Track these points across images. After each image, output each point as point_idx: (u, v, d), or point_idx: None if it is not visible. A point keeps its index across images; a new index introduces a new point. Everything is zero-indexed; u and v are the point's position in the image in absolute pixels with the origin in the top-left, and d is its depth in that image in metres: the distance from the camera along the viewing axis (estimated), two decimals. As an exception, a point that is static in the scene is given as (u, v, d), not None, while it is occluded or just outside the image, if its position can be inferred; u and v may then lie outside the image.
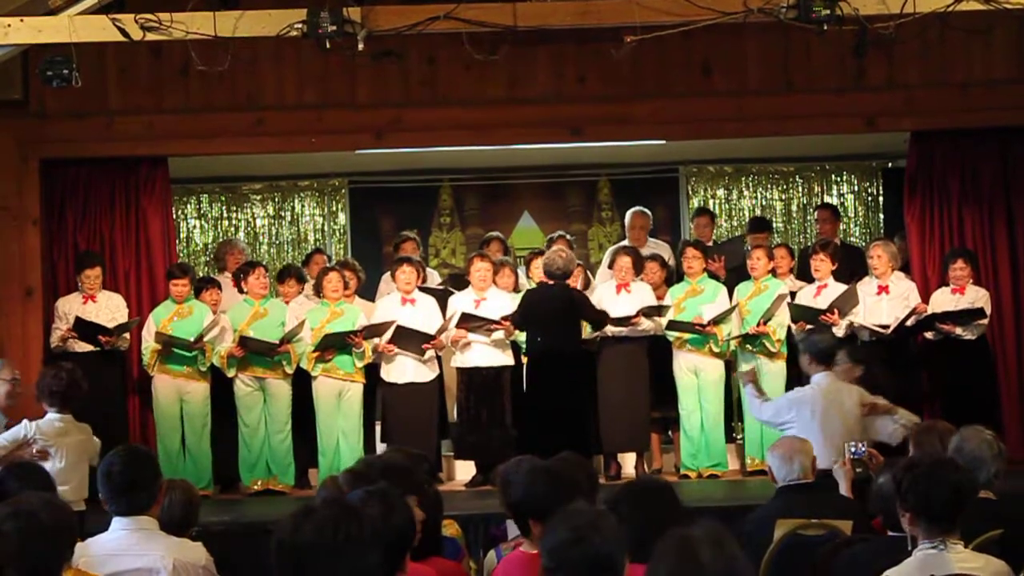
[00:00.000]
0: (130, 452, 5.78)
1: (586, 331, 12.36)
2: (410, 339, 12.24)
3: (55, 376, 9.19)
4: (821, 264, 12.49)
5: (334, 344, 12.22)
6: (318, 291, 12.65)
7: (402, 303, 12.45)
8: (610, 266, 13.02)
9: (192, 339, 12.20)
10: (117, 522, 5.55)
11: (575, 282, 12.60)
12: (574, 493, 5.52)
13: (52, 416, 9.09)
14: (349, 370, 12.32)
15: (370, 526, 3.73)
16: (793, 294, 12.58)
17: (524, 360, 12.44)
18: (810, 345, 9.96)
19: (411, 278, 12.49)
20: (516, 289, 12.81)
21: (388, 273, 13.14)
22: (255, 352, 12.29)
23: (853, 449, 7.94)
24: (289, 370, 12.38)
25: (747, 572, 3.66)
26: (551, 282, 11.99)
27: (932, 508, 5.17)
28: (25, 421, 9.11)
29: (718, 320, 12.38)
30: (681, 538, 3.63)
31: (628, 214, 14.24)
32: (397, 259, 12.91)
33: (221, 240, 15.53)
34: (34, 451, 8.89)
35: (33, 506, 4.67)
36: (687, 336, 12.49)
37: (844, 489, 7.80)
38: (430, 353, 12.37)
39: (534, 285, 12.56)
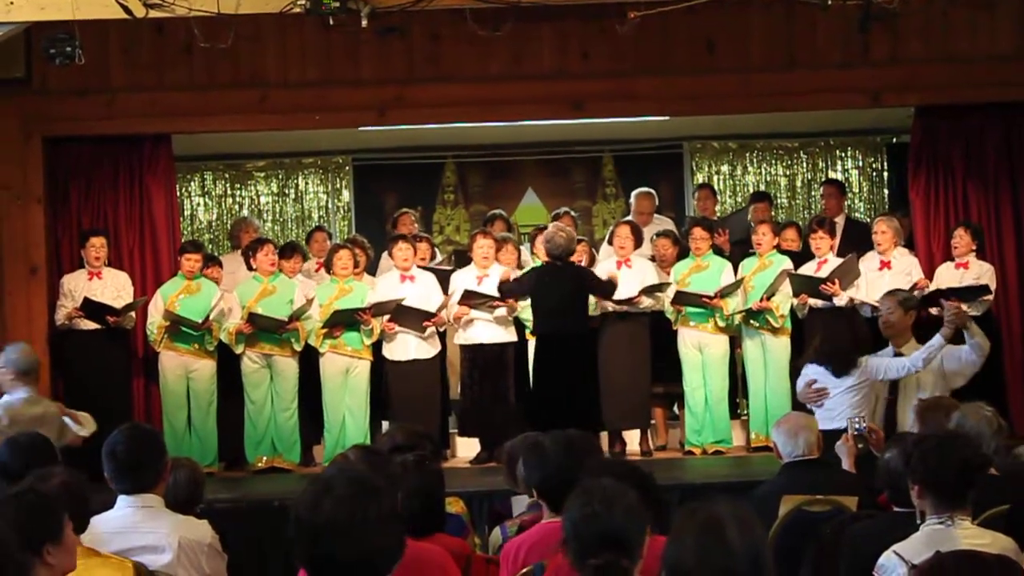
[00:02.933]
0: (134, 430, 5.80)
1: (591, 307, 12.34)
2: (411, 317, 12.24)
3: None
4: (820, 241, 12.46)
5: (343, 321, 12.22)
6: (328, 268, 12.66)
7: (401, 280, 12.44)
8: (610, 241, 13.01)
9: (200, 320, 12.20)
10: (123, 500, 5.56)
11: (580, 258, 12.58)
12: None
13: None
14: (357, 347, 12.33)
15: (389, 504, 3.73)
16: (797, 266, 12.57)
17: (529, 338, 12.41)
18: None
19: (408, 255, 12.46)
20: (519, 267, 12.79)
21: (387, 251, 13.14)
22: (263, 329, 12.28)
23: (857, 425, 7.93)
24: (297, 347, 12.37)
25: (769, 551, 3.68)
26: (558, 263, 11.89)
27: (940, 482, 5.18)
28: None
29: (725, 293, 12.36)
30: (707, 516, 3.63)
31: (633, 197, 14.23)
32: (392, 237, 12.92)
33: (226, 218, 15.55)
34: None
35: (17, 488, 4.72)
36: (687, 310, 12.46)
37: (847, 465, 7.79)
38: (431, 330, 12.37)
39: (538, 262, 12.50)
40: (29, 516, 4.47)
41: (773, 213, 14.63)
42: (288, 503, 10.66)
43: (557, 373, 11.67)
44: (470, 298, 12.22)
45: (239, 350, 12.37)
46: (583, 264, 12.47)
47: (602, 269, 12.59)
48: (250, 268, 12.73)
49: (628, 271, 12.49)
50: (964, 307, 12.01)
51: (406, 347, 12.37)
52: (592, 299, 12.22)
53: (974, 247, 12.33)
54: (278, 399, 12.45)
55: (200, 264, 12.57)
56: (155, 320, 12.40)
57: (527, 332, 12.47)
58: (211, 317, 12.25)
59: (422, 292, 12.38)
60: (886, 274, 12.31)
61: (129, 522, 5.52)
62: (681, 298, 12.42)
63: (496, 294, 12.19)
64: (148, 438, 5.78)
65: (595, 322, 12.43)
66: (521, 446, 6.88)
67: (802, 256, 12.76)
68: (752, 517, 3.66)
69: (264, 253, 12.56)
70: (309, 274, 13.32)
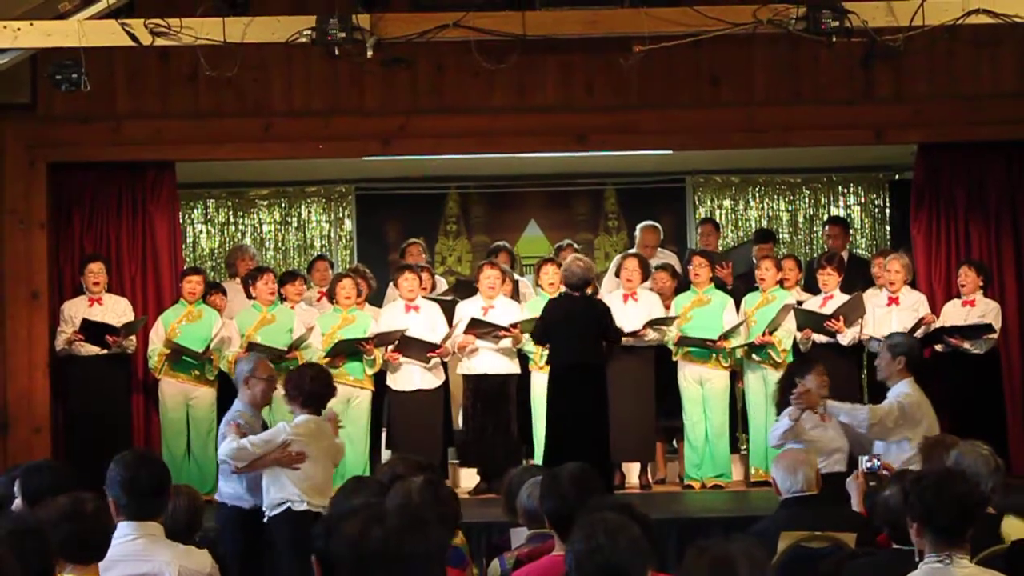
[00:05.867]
0: (144, 457, 5.83)
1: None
2: (415, 347, 12.24)
3: (314, 378, 8.98)
4: (829, 278, 12.48)
5: (345, 351, 12.22)
6: (331, 297, 12.66)
7: (406, 310, 12.45)
8: (616, 274, 13.00)
9: (201, 350, 12.20)
10: (125, 527, 5.56)
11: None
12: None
13: (306, 417, 8.82)
14: (359, 377, 12.32)
15: (437, 540, 3.71)
16: (800, 303, 12.57)
17: (532, 369, 12.41)
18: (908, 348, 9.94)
19: (413, 285, 12.47)
20: (514, 298, 12.82)
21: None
22: (263, 358, 12.28)
23: (868, 464, 7.90)
24: (297, 376, 12.36)
25: None
26: (575, 294, 11.81)
27: (938, 520, 5.16)
28: (283, 424, 8.85)
29: (728, 335, 12.38)
30: (718, 554, 3.62)
31: (639, 230, 14.21)
32: (399, 267, 12.91)
33: (228, 245, 15.56)
34: (292, 454, 8.65)
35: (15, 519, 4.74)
36: (690, 348, 12.49)
37: (856, 503, 7.76)
38: (435, 360, 12.36)
39: (544, 294, 12.50)
40: (23, 549, 4.48)
41: (776, 249, 14.61)
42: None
43: (572, 405, 11.52)
44: (476, 327, 12.23)
45: (238, 379, 12.36)
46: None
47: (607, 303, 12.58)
48: (249, 297, 12.74)
49: (634, 304, 12.51)
50: (967, 345, 12.07)
51: (410, 377, 12.36)
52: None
53: (980, 284, 12.36)
54: (278, 428, 12.42)
55: (202, 287, 12.59)
56: (156, 347, 12.41)
57: (530, 364, 12.48)
58: (211, 346, 12.26)
59: (427, 322, 12.38)
60: (894, 310, 12.33)
61: (130, 549, 5.51)
62: (685, 341, 12.44)
63: (502, 323, 12.18)
64: (156, 465, 5.80)
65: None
66: (520, 476, 6.88)
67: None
68: (763, 556, 3.65)
69: (264, 282, 12.56)
70: (311, 302, 13.32)
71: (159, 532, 5.65)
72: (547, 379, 11.87)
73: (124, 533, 5.55)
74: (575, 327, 11.62)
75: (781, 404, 9.78)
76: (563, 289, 11.95)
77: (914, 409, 9.61)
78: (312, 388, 8.88)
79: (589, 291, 12.47)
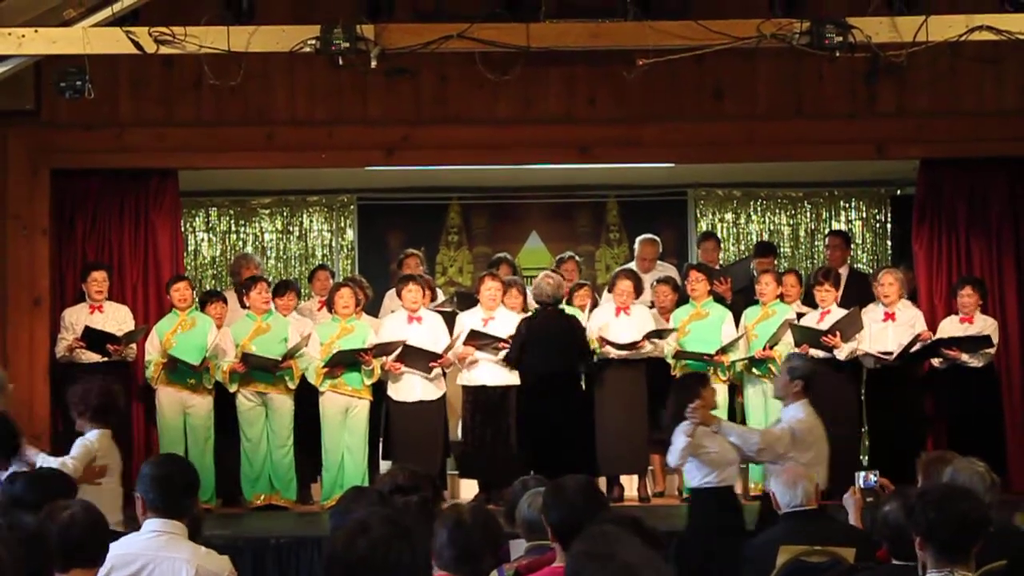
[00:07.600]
0: (172, 457, 6.17)
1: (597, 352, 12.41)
2: (417, 357, 12.24)
3: (100, 391, 8.83)
4: (826, 293, 12.47)
5: (344, 361, 12.22)
6: (330, 307, 12.66)
7: (408, 321, 12.45)
8: (610, 289, 13.03)
9: (197, 363, 12.19)
10: (152, 523, 5.67)
11: (584, 302, 12.63)
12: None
13: (99, 432, 8.64)
14: (357, 387, 12.31)
15: (422, 549, 3.73)
16: (800, 316, 12.58)
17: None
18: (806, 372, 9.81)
19: (417, 297, 12.48)
20: (525, 309, 12.82)
21: (393, 291, 13.12)
22: (257, 368, 12.28)
23: (863, 480, 7.89)
24: (292, 385, 12.37)
25: None
26: (548, 308, 12.05)
27: (940, 535, 5.16)
28: (82, 439, 8.62)
29: (726, 348, 12.37)
30: (620, 565, 3.56)
31: (638, 243, 14.23)
32: (402, 277, 12.89)
33: (230, 254, 15.57)
34: (96, 468, 8.45)
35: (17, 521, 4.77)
36: (688, 362, 12.48)
37: (854, 519, 7.77)
38: (436, 371, 12.37)
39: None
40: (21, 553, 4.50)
41: (776, 263, 14.62)
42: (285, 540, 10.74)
43: (547, 413, 11.76)
44: (475, 338, 12.23)
45: (233, 388, 12.36)
46: (585, 308, 12.53)
47: (599, 315, 12.60)
48: (243, 306, 12.74)
49: (627, 318, 12.52)
50: (964, 357, 12.08)
51: (412, 388, 12.36)
52: (596, 344, 12.27)
53: (980, 303, 12.37)
54: (274, 436, 12.44)
55: (190, 293, 12.58)
56: (152, 358, 12.38)
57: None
58: (207, 355, 12.25)
59: (429, 333, 12.39)
60: (890, 325, 12.33)
61: (153, 544, 5.60)
62: (682, 355, 12.44)
63: (501, 335, 12.20)
64: (185, 465, 5.96)
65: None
66: (521, 487, 6.89)
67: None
68: (659, 559, 3.60)
69: (257, 291, 12.56)
70: (311, 314, 13.31)
71: (182, 532, 5.73)
72: (523, 391, 12.18)
73: (149, 529, 5.67)
74: (549, 339, 11.84)
75: (674, 420, 9.66)
76: (536, 306, 12.23)
77: (806, 434, 9.52)
78: (100, 402, 8.72)
79: (588, 303, 12.59)
